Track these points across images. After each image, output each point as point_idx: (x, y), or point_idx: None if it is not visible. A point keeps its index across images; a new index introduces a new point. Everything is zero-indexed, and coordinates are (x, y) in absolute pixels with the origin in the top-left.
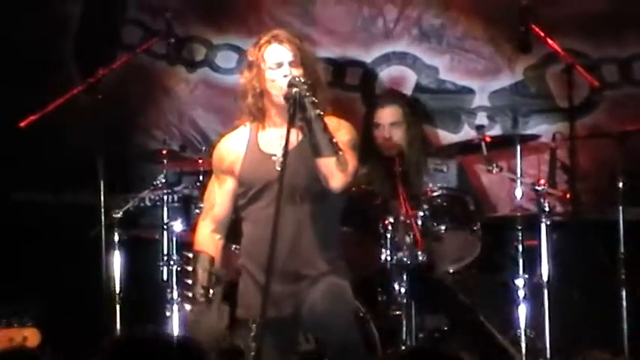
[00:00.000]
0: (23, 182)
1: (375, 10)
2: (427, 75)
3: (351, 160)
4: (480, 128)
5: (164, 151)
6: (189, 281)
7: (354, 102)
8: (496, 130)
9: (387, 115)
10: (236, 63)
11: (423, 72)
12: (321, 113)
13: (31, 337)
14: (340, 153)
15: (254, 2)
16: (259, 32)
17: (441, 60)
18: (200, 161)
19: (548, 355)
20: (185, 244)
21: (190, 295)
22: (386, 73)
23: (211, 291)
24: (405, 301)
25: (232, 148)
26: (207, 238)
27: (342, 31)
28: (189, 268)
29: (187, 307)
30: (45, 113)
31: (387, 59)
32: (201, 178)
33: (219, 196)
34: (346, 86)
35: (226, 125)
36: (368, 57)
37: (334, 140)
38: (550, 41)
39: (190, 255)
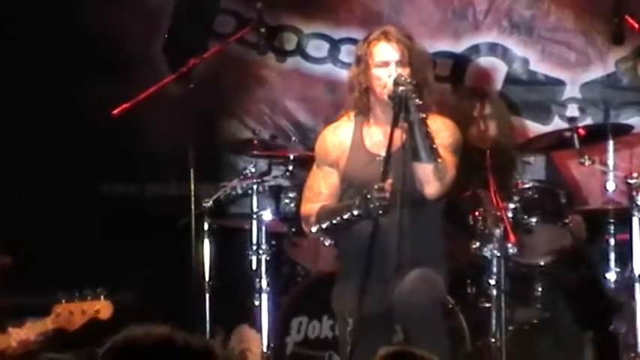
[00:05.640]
0: (111, 174)
1: (465, 1)
2: (518, 66)
3: (450, 167)
4: (572, 120)
5: (255, 141)
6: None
7: (443, 93)
8: (587, 123)
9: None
10: (327, 52)
11: (514, 63)
12: (424, 117)
13: (103, 309)
14: (439, 160)
15: None
16: (349, 21)
17: (531, 51)
18: (290, 151)
19: (639, 350)
20: (274, 233)
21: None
22: (476, 64)
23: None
24: (494, 293)
25: (338, 142)
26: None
27: (432, 21)
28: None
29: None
30: (137, 102)
31: (476, 50)
32: (291, 167)
33: (324, 187)
34: (436, 77)
35: (317, 115)
36: (458, 48)
37: (434, 146)
38: None
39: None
